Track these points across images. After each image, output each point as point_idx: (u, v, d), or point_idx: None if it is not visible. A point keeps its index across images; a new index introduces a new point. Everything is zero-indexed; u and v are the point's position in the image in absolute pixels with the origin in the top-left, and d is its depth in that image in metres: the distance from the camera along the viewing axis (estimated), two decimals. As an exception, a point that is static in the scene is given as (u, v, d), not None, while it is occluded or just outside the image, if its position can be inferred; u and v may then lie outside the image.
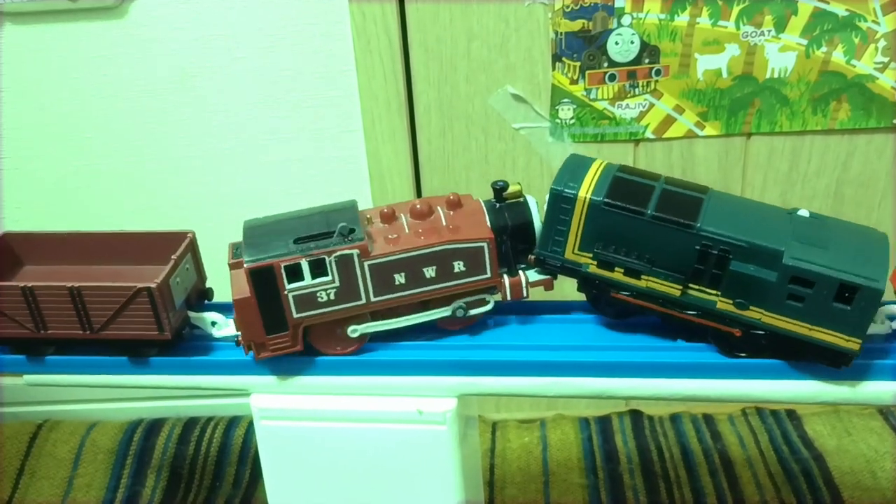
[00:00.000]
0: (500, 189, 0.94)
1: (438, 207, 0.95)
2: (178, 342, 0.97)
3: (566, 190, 0.88)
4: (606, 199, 0.87)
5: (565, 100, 1.49)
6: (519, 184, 0.95)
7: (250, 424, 1.77)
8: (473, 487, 1.07)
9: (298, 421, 0.96)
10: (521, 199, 0.95)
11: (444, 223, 0.93)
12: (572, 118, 1.50)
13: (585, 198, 0.88)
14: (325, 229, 0.90)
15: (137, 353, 0.97)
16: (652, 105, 1.48)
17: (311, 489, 1.00)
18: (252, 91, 1.55)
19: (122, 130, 1.60)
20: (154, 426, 1.82)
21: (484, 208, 0.95)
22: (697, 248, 0.86)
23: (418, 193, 1.60)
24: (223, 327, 1.00)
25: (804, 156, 1.53)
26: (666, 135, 1.51)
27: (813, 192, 1.56)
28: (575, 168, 0.91)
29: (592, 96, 1.48)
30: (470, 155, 1.56)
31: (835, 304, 0.82)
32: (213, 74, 1.54)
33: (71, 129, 1.61)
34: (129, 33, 1.52)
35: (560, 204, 0.89)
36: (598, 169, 0.91)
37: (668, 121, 1.50)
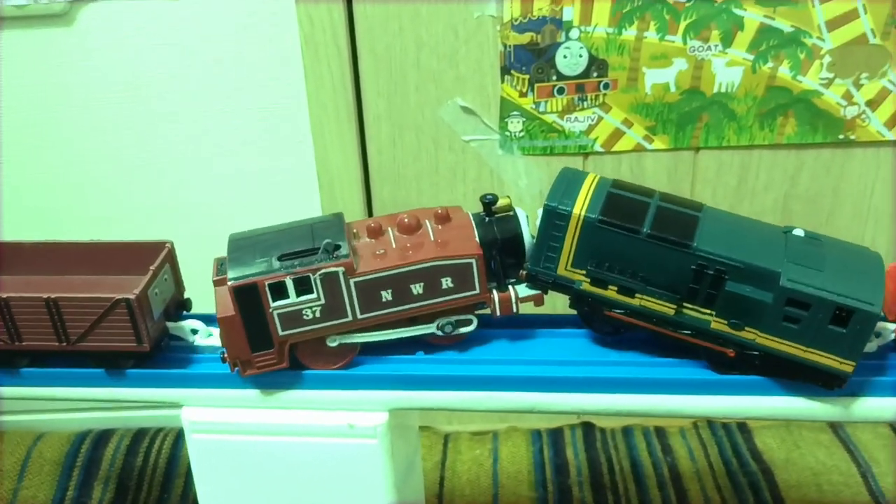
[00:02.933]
0: (489, 203, 0.93)
1: (426, 221, 0.94)
2: (157, 353, 0.96)
3: (560, 206, 0.87)
4: (601, 217, 0.86)
5: (514, 112, 1.49)
6: (508, 197, 0.94)
7: (199, 436, 1.75)
8: (411, 502, 1.06)
9: (230, 434, 0.96)
10: (511, 213, 0.94)
11: (433, 238, 0.92)
12: (521, 131, 1.50)
13: (580, 215, 0.87)
14: (311, 245, 0.89)
15: (115, 364, 0.95)
16: (601, 118, 1.49)
17: (245, 503, 0.99)
18: (201, 100, 1.54)
19: (71, 139, 1.58)
20: (102, 437, 1.80)
21: (472, 222, 0.93)
22: (693, 267, 0.85)
23: (368, 203, 1.59)
24: (204, 336, 0.99)
25: (752, 170, 1.54)
26: (615, 148, 1.51)
27: (762, 207, 1.56)
28: (569, 183, 0.90)
29: (541, 109, 1.48)
30: (420, 165, 1.56)
31: (830, 326, 0.82)
32: (160, 83, 1.53)
33: (19, 137, 1.59)
34: (78, 41, 1.50)
35: (554, 220, 0.88)
36: (591, 184, 0.90)
37: (617, 134, 1.50)
